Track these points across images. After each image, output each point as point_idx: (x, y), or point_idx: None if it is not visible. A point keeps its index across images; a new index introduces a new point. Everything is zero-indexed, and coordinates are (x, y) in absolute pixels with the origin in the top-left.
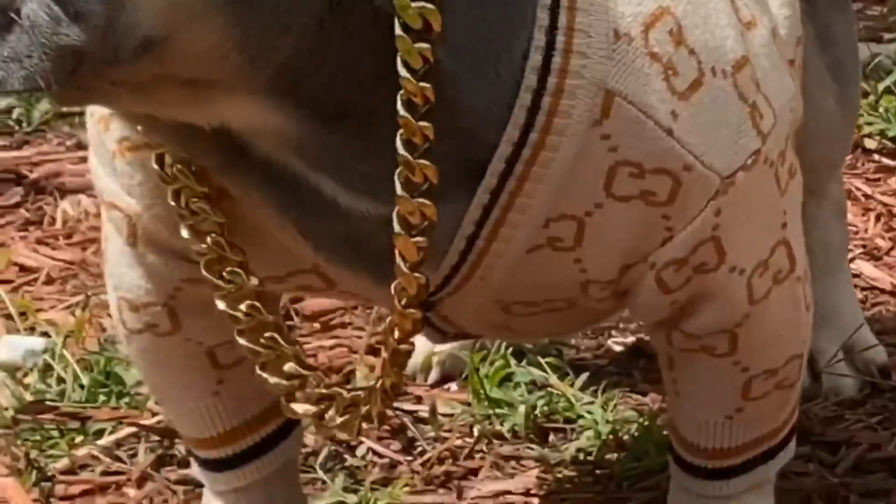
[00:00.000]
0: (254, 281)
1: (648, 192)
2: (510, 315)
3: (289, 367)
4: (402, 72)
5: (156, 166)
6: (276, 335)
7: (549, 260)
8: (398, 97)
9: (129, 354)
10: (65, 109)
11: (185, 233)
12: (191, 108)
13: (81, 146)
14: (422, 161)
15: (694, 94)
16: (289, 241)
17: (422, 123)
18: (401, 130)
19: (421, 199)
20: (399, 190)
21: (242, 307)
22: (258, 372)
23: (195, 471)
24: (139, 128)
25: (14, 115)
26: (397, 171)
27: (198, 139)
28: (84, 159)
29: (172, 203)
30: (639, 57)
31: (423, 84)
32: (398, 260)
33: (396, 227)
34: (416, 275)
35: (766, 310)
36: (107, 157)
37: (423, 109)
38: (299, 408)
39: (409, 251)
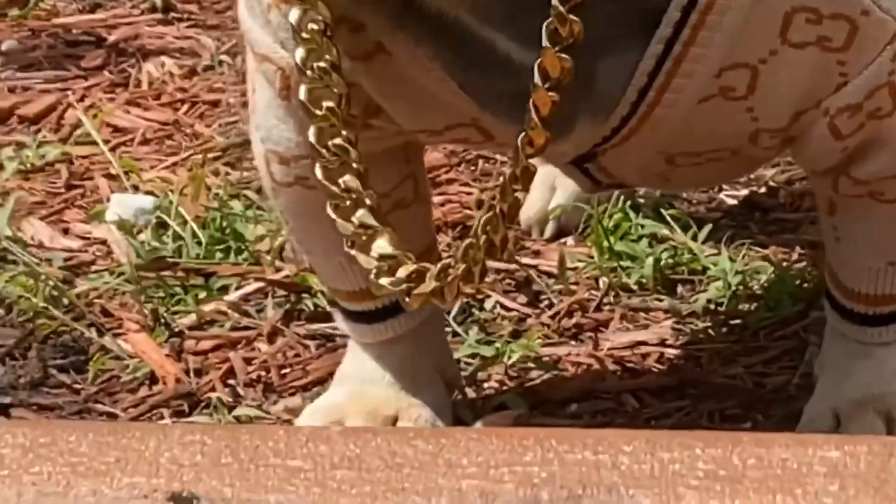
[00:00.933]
0: (358, 166)
1: (824, 37)
2: (673, 166)
3: (380, 245)
4: None
5: (292, 22)
6: (368, 213)
7: (721, 109)
8: None
9: (276, 207)
10: None
11: (301, 94)
12: None
13: (154, 10)
14: (572, 16)
15: None
16: (448, 96)
17: None
18: None
19: (562, 54)
20: (544, 41)
21: (341, 182)
22: (346, 249)
23: (339, 323)
24: None
25: None
26: (546, 22)
27: None
28: (161, 22)
29: (298, 62)
30: None
31: None
32: (531, 111)
33: (536, 78)
34: (544, 130)
35: None
36: (259, 10)
37: None
38: (387, 281)
39: (543, 103)
